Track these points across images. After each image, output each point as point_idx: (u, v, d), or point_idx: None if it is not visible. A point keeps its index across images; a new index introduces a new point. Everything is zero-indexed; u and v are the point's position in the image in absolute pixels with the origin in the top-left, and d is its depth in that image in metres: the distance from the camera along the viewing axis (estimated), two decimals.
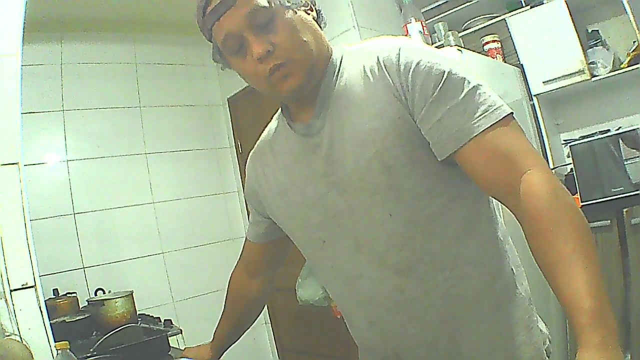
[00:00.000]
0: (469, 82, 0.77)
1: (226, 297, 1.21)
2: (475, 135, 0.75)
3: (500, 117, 0.75)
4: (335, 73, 0.86)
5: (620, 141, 2.11)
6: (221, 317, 1.22)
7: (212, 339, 1.22)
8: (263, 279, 1.17)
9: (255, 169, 1.01)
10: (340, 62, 0.87)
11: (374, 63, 0.82)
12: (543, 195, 0.69)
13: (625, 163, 2.07)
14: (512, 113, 0.76)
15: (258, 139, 1.03)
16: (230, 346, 1.22)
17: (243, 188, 3.57)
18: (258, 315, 1.25)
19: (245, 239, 1.15)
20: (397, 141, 0.79)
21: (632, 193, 2.03)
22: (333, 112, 0.84)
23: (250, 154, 1.04)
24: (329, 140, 0.84)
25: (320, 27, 0.88)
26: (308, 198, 0.88)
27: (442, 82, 0.76)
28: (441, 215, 0.81)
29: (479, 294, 0.83)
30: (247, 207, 3.14)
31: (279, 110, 0.97)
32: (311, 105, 0.87)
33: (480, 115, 0.75)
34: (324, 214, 0.87)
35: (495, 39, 2.60)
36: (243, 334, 1.22)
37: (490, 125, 0.74)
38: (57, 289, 2.15)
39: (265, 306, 1.49)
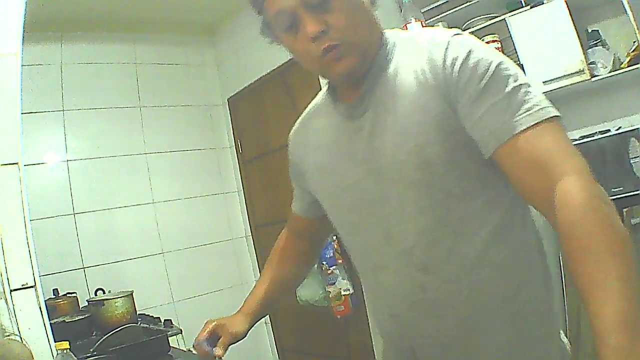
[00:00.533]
0: (515, 79, 0.74)
1: (267, 262, 1.15)
2: (515, 134, 0.71)
3: (544, 118, 0.71)
4: (386, 60, 0.84)
5: (629, 139, 2.10)
6: (257, 283, 1.14)
7: (241, 306, 1.11)
8: (311, 241, 1.15)
9: (296, 143, 1.01)
10: (392, 49, 0.85)
11: (422, 56, 0.80)
12: (576, 205, 0.63)
13: (631, 161, 2.07)
14: (558, 116, 0.72)
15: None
16: (265, 315, 1.14)
17: (243, 188, 3.57)
18: (302, 277, 1.20)
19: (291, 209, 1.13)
20: (438, 137, 0.77)
21: (632, 193, 2.03)
22: (378, 99, 0.83)
23: (293, 128, 1.03)
24: (371, 126, 0.83)
25: (373, 11, 0.85)
26: (343, 180, 0.87)
27: (488, 77, 0.74)
28: (474, 218, 0.79)
29: (502, 302, 0.80)
30: (243, 205, 3.15)
31: (326, 87, 0.95)
32: (358, 88, 0.85)
33: (523, 113, 0.71)
34: (357, 199, 0.86)
35: (495, 39, 2.60)
36: (281, 300, 1.15)
37: (532, 125, 0.70)
38: (57, 289, 2.15)
39: None
